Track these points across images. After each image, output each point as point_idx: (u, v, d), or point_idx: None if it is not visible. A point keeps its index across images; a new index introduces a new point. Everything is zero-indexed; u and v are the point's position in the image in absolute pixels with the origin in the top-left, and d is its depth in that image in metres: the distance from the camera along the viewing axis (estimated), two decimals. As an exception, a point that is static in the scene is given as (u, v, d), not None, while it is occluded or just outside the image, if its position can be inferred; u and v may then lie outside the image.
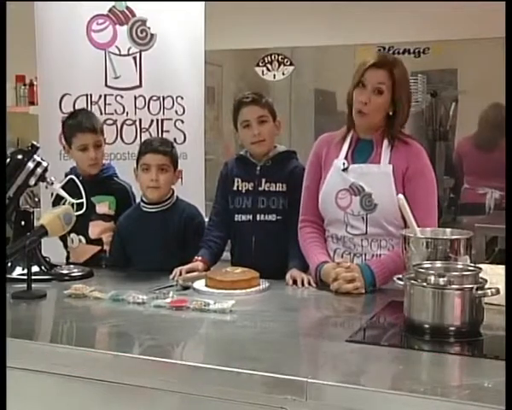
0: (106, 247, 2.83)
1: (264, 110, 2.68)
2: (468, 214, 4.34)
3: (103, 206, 2.82)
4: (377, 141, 2.40)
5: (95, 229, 2.82)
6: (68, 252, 2.93)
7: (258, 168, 2.71)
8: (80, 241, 2.84)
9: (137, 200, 2.90)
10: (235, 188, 2.73)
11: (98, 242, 2.84)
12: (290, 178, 2.66)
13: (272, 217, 2.67)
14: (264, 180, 2.69)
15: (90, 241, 2.84)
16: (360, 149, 2.42)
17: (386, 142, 2.38)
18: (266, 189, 2.68)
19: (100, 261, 2.81)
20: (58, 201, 2.71)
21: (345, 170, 2.39)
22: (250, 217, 2.69)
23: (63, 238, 2.85)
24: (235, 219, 2.72)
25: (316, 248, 2.45)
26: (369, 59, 2.36)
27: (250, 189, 2.70)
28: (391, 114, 2.37)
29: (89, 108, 3.47)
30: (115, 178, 2.94)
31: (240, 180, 2.73)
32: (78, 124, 2.88)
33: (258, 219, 2.68)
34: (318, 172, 2.49)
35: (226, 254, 2.79)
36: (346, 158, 2.42)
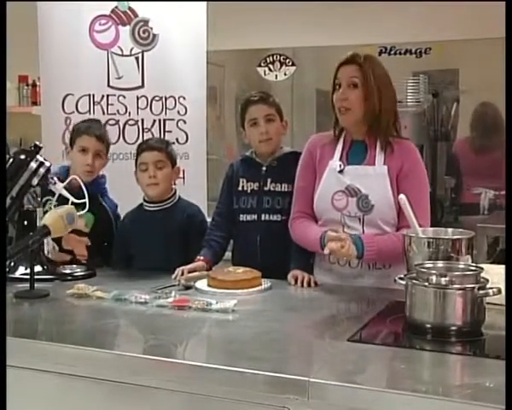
0: (78, 257, 2.71)
1: (271, 109, 2.70)
2: (467, 214, 4.35)
3: (80, 221, 2.69)
4: (370, 143, 2.41)
5: (67, 241, 2.69)
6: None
7: (264, 168, 2.71)
8: (54, 248, 2.74)
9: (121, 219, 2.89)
10: (240, 188, 2.74)
11: (70, 252, 2.74)
12: None
13: (277, 217, 2.67)
14: (269, 180, 2.70)
15: (62, 249, 2.74)
16: (354, 151, 2.44)
17: (379, 143, 2.40)
18: (272, 189, 2.69)
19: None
20: (62, 200, 2.70)
21: (340, 172, 2.41)
22: (255, 217, 2.70)
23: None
24: (240, 218, 2.72)
25: (311, 227, 2.45)
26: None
27: (255, 189, 2.71)
28: (377, 112, 2.37)
29: (91, 109, 3.49)
30: (100, 198, 2.87)
31: (245, 180, 2.73)
32: (87, 127, 2.88)
33: (263, 218, 2.68)
34: (313, 173, 2.49)
35: (227, 254, 2.80)
36: (340, 159, 2.43)
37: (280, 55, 4.79)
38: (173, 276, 2.44)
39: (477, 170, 4.38)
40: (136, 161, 2.79)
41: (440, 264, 1.93)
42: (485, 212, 4.33)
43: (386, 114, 2.39)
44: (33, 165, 2.53)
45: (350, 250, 2.26)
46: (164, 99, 3.58)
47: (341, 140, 2.46)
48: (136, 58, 3.56)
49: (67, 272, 2.56)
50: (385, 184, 2.36)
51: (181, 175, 3.24)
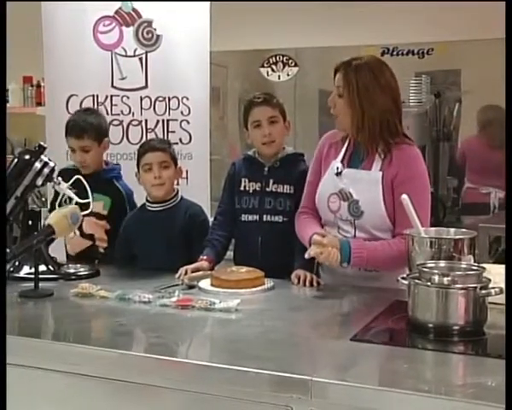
0: (97, 242, 2.80)
1: (275, 111, 2.69)
2: (471, 214, 4.35)
3: (98, 205, 2.78)
4: (371, 147, 2.39)
5: (88, 225, 2.75)
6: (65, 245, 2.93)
7: (266, 169, 2.71)
8: (75, 233, 2.82)
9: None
10: (242, 188, 2.74)
11: (91, 237, 2.82)
12: (298, 180, 2.64)
13: (279, 218, 2.67)
14: (271, 181, 2.70)
15: (83, 235, 2.80)
16: (356, 153, 2.43)
17: (379, 148, 2.37)
18: (274, 190, 2.68)
19: (93, 255, 2.80)
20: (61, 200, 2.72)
21: (338, 174, 2.41)
22: (257, 217, 2.70)
23: None
24: (242, 219, 2.72)
25: (310, 225, 2.46)
26: None
27: (257, 189, 2.71)
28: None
29: (95, 109, 3.50)
30: (115, 181, 2.94)
31: (247, 180, 2.73)
32: (71, 126, 2.92)
33: (264, 219, 2.68)
34: (320, 169, 2.51)
35: (229, 254, 2.80)
36: (342, 161, 2.43)
37: (283, 56, 4.80)
38: (176, 275, 2.45)
39: (486, 169, 4.37)
40: (138, 162, 2.79)
41: (442, 264, 1.94)
42: (495, 211, 4.32)
43: (369, 124, 2.34)
44: (38, 165, 2.54)
45: (330, 257, 2.26)
46: (167, 99, 3.59)
47: (347, 139, 2.46)
48: (140, 59, 3.58)
49: (71, 271, 2.57)
50: (377, 190, 2.33)
51: (184, 175, 3.25)
